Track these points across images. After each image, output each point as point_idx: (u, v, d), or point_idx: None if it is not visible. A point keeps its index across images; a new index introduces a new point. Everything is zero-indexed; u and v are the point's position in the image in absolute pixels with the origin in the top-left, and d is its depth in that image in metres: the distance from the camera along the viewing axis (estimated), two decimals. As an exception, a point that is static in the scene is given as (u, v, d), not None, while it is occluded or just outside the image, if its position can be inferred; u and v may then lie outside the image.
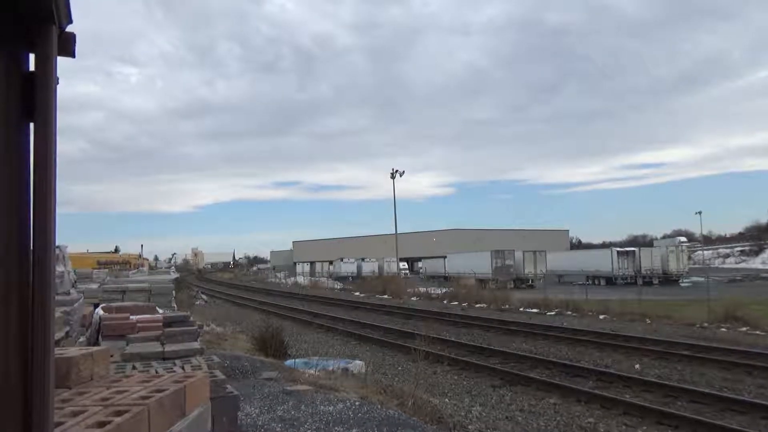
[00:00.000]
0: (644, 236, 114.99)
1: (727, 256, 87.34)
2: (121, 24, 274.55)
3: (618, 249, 53.86)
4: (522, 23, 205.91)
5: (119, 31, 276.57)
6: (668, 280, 49.52)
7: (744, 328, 19.43)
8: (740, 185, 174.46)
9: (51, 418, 1.44)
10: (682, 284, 47.35)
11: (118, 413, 2.10)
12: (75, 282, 11.63)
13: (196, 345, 5.36)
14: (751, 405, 10.01)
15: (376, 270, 70.94)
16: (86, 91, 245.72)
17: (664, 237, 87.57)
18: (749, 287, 37.57)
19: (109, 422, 1.99)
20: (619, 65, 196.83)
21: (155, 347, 5.10)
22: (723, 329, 19.60)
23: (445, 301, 35.80)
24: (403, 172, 65.19)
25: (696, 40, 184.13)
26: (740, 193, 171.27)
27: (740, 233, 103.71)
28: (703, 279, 38.44)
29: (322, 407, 7.10)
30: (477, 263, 51.70)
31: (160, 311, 8.10)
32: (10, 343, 1.37)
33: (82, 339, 7.27)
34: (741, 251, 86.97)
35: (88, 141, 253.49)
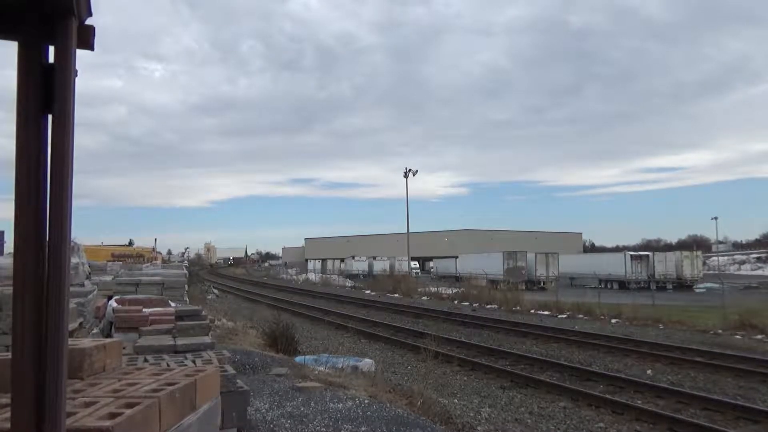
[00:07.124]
0: (658, 240, 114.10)
1: (743, 262, 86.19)
2: (146, 20, 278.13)
3: (632, 253, 53.35)
4: (544, 25, 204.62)
5: (145, 27, 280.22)
6: (682, 285, 48.97)
7: (759, 336, 19.13)
8: (759, 191, 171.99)
9: (63, 408, 1.45)
10: (697, 290, 46.78)
11: (130, 405, 2.11)
12: (89, 274, 11.75)
13: (207, 339, 5.39)
14: (764, 414, 9.85)
15: (388, 269, 70.87)
16: (110, 85, 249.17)
17: (679, 242, 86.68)
18: (765, 294, 37.00)
19: (121, 414, 2.01)
20: (641, 68, 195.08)
21: (167, 340, 5.14)
22: (737, 336, 19.33)
23: (455, 302, 35.70)
24: (417, 171, 65.35)
25: (720, 44, 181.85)
26: (759, 199, 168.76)
27: (757, 240, 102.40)
28: (717, 285, 37.93)
29: (331, 404, 7.11)
30: (489, 264, 51.47)
31: (173, 305, 8.17)
32: (25, 334, 1.38)
33: (95, 330, 7.35)
34: (757, 258, 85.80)
35: (109, 135, 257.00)
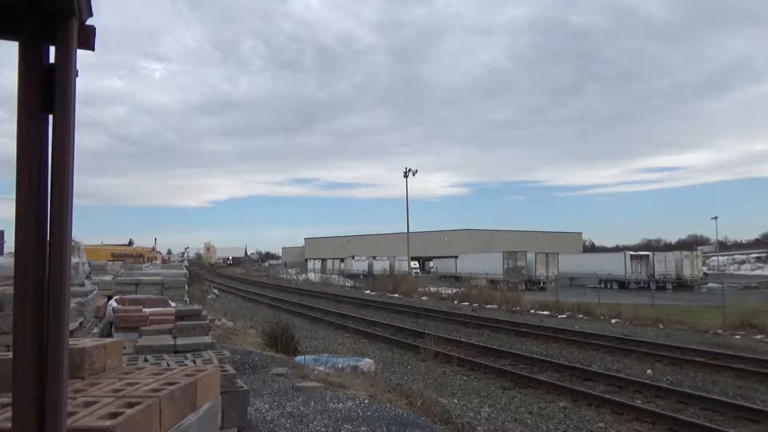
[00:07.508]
0: (658, 240, 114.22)
1: (743, 262, 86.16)
2: (147, 20, 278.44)
3: (632, 253, 53.39)
4: (544, 25, 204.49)
5: (145, 27, 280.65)
6: (682, 285, 48.96)
7: (759, 336, 19.13)
8: (759, 191, 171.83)
9: (64, 407, 1.45)
10: (703, 289, 46.64)
11: (130, 405, 2.12)
12: (89, 274, 11.74)
13: (207, 339, 5.40)
14: (764, 414, 9.85)
15: (388, 268, 70.88)
16: (111, 85, 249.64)
17: (679, 242, 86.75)
18: (765, 294, 37.01)
19: (121, 413, 2.01)
20: (641, 68, 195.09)
21: (167, 340, 5.14)
22: (737, 336, 19.32)
23: (455, 301, 35.69)
24: (416, 171, 65.39)
25: (721, 43, 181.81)
26: (759, 199, 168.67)
27: (757, 240, 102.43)
28: (717, 285, 37.94)
29: (331, 404, 7.11)
30: (488, 264, 51.46)
31: (173, 304, 8.17)
32: (26, 333, 1.38)
33: (95, 330, 7.35)
34: (757, 258, 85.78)
35: (109, 135, 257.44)
